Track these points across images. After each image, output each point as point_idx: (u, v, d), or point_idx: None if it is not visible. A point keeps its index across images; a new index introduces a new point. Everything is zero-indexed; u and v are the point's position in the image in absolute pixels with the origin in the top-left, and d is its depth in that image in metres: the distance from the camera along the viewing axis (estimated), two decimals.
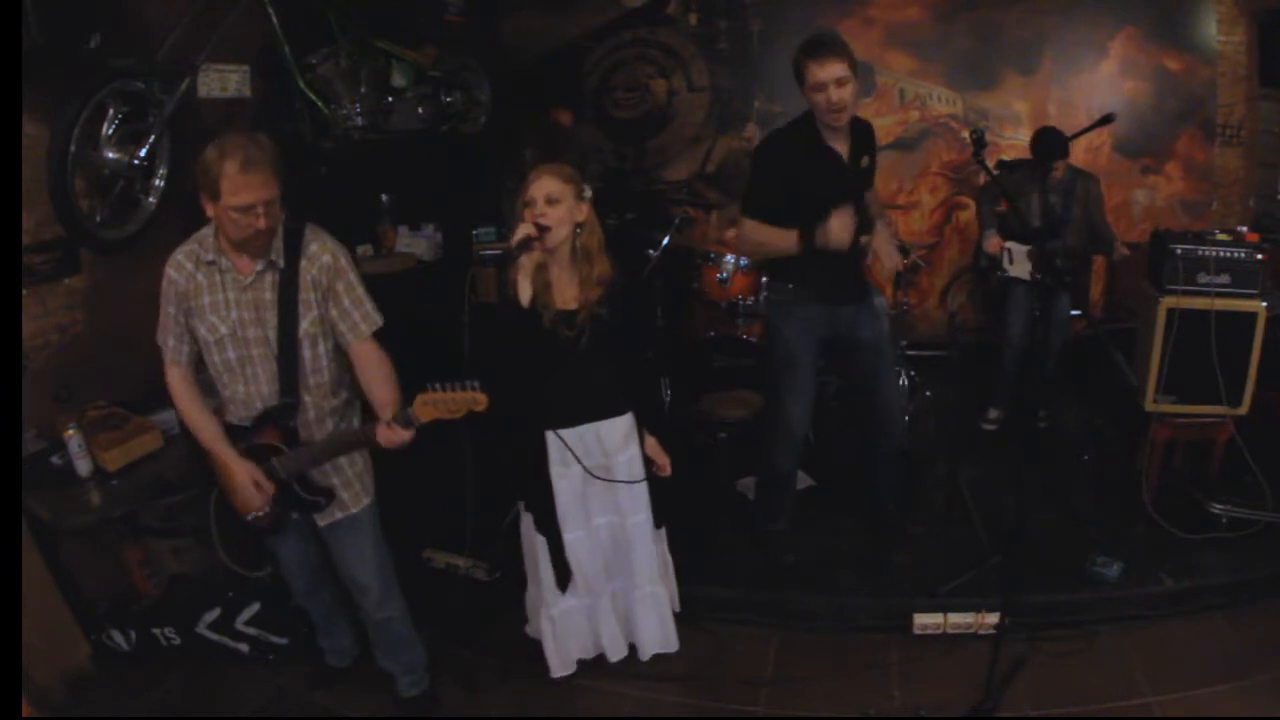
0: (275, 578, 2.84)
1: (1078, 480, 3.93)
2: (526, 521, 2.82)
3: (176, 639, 3.12)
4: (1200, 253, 3.37)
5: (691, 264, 4.52)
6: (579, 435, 2.69)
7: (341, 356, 2.47)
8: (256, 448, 2.38)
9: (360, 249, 4.34)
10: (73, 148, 2.82)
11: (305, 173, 3.89)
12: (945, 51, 5.29)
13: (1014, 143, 5.12)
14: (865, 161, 3.16)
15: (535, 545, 2.80)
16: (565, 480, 2.72)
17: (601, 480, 2.72)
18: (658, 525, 2.88)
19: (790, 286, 3.20)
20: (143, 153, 3.05)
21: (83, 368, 3.17)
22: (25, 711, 2.61)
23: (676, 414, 4.45)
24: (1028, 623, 2.99)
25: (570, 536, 2.76)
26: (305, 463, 2.41)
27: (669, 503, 2.92)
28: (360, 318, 2.40)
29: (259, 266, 2.29)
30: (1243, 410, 3.41)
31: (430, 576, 3.44)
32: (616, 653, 2.96)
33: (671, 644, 3.00)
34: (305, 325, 2.33)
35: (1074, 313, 4.40)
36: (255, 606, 3.10)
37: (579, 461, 2.67)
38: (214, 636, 3.12)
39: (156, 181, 3.19)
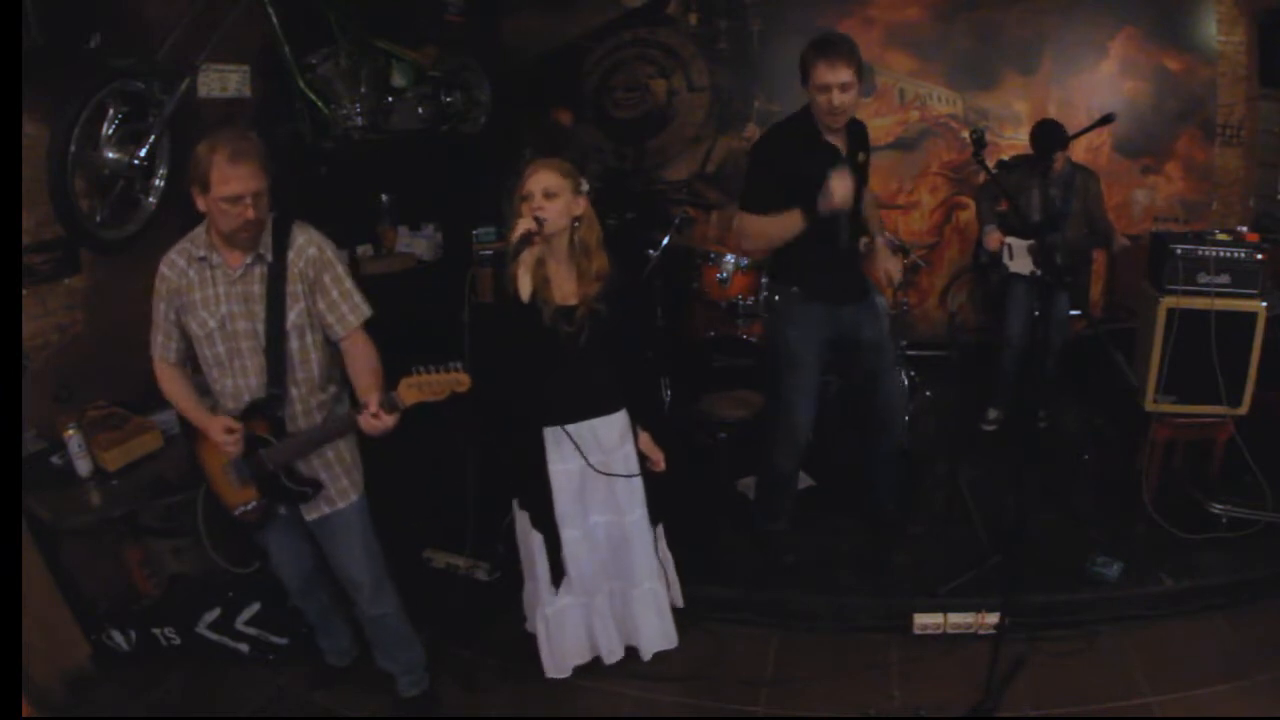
0: (275, 577, 2.84)
1: (1078, 480, 3.93)
2: (522, 519, 2.82)
3: (176, 639, 3.12)
4: (1200, 253, 3.37)
5: (691, 264, 4.52)
6: (576, 432, 2.69)
7: (329, 350, 2.49)
8: (245, 439, 2.40)
9: (360, 249, 4.34)
10: (73, 148, 2.82)
11: (305, 173, 3.90)
12: (945, 51, 5.29)
13: (1014, 143, 5.12)
14: (861, 159, 3.16)
15: (531, 543, 2.80)
16: (563, 477, 2.72)
17: (602, 475, 2.71)
18: (654, 522, 2.88)
19: (793, 289, 3.20)
20: (143, 153, 3.05)
21: (83, 368, 3.17)
22: (25, 711, 2.61)
23: (676, 414, 4.45)
24: (1028, 623, 2.99)
25: (568, 534, 2.76)
26: (292, 453, 2.43)
27: (666, 500, 2.91)
28: (348, 309, 2.43)
29: (248, 260, 2.34)
30: (1243, 410, 3.41)
31: (430, 576, 3.44)
32: (613, 655, 2.95)
33: (671, 640, 3.00)
34: (292, 317, 2.37)
35: (1074, 312, 4.40)
36: (255, 606, 3.10)
37: (583, 456, 2.67)
38: (214, 636, 3.12)
39: (156, 181, 3.19)
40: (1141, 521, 3.47)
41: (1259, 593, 3.16)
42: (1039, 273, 4.08)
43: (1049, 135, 4.14)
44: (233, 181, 2.19)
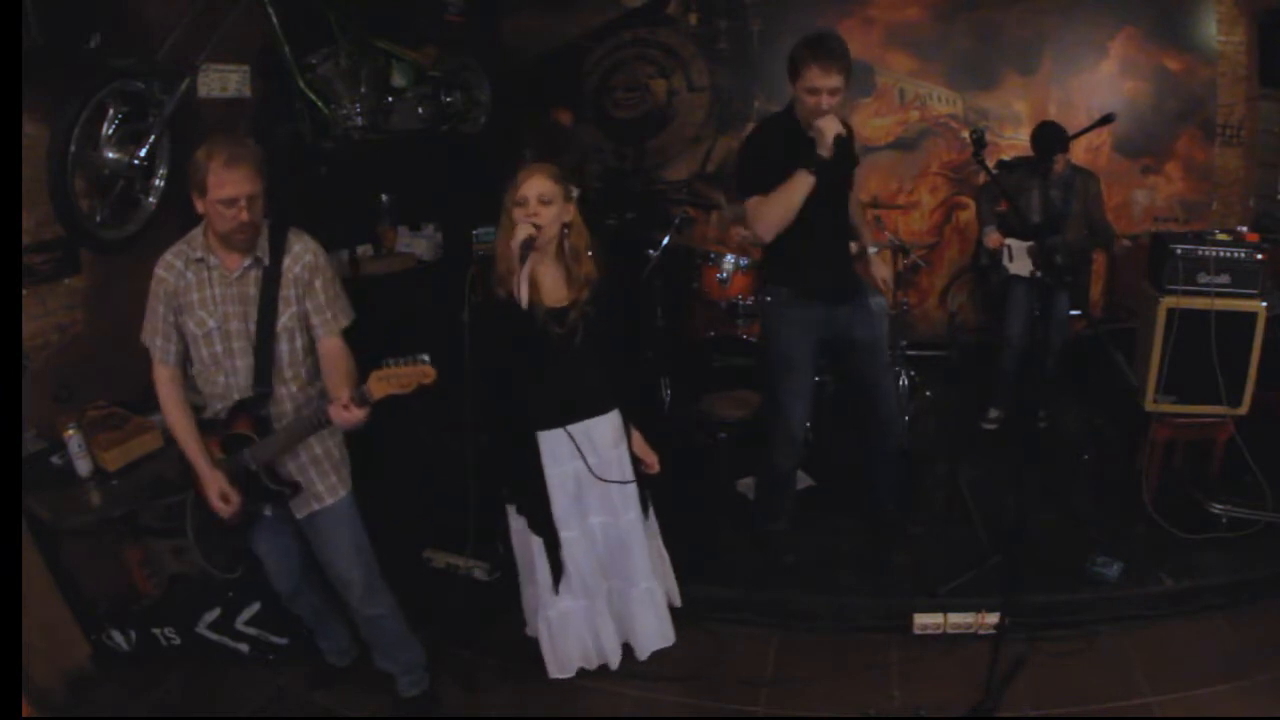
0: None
1: (1078, 480, 3.93)
2: (518, 523, 2.82)
3: (176, 639, 3.12)
4: (1200, 253, 3.37)
5: (691, 264, 4.52)
6: (570, 435, 2.69)
7: (316, 351, 2.54)
8: (231, 438, 2.45)
9: (360, 249, 4.33)
10: (73, 148, 2.82)
11: (305, 173, 3.89)
12: (945, 51, 5.30)
13: (1014, 143, 5.12)
14: (850, 159, 3.17)
15: (530, 546, 2.80)
16: (559, 480, 2.72)
17: (599, 480, 2.71)
18: (645, 513, 2.88)
19: (784, 289, 3.20)
20: (143, 153, 3.05)
21: (83, 368, 3.17)
22: (25, 711, 2.61)
23: (676, 414, 4.45)
24: (1028, 623, 2.99)
25: (566, 535, 2.76)
26: (274, 450, 2.46)
27: (665, 500, 2.91)
28: (333, 314, 2.51)
29: (246, 263, 2.40)
30: (1243, 410, 3.41)
31: (430, 576, 3.44)
32: (614, 659, 2.95)
33: (668, 638, 3.00)
34: (284, 320, 2.43)
35: (1074, 312, 4.40)
36: (255, 606, 3.10)
37: (583, 459, 2.67)
38: (214, 636, 3.12)
39: (156, 181, 3.19)
40: (1141, 521, 3.47)
41: (1259, 593, 3.16)
42: (1039, 274, 4.08)
43: (1049, 137, 4.15)
44: (228, 185, 2.26)
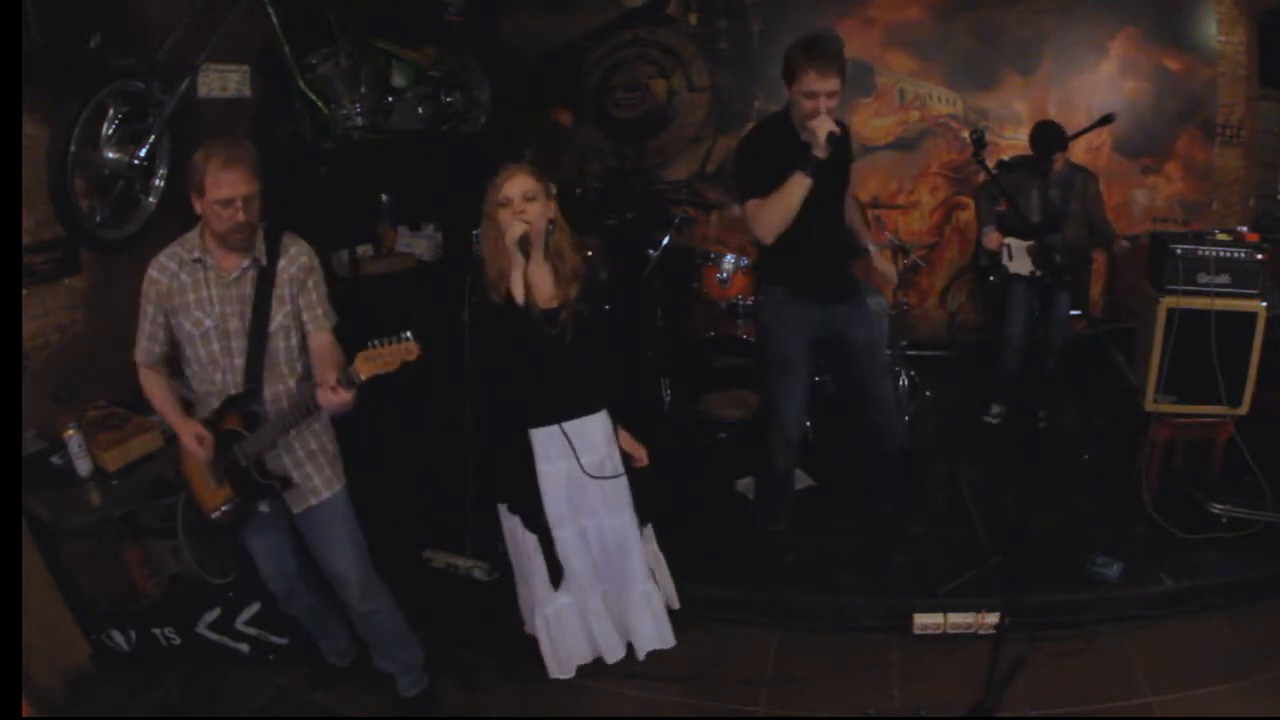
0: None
1: (1078, 480, 3.93)
2: (511, 522, 2.82)
3: (176, 639, 3.12)
4: (1200, 253, 3.37)
5: (691, 264, 4.51)
6: (564, 432, 2.69)
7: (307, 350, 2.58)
8: (221, 434, 2.47)
9: (360, 249, 4.33)
10: (73, 148, 2.82)
11: (305, 173, 3.89)
12: (945, 51, 5.29)
13: (1014, 143, 5.11)
14: (846, 159, 3.17)
15: (526, 545, 2.80)
16: (552, 478, 2.72)
17: (594, 478, 2.71)
18: (642, 522, 2.88)
19: (781, 288, 3.20)
20: (143, 153, 3.05)
21: (83, 368, 3.17)
22: (25, 711, 2.61)
23: (676, 414, 4.45)
24: (1028, 623, 2.99)
25: (560, 533, 2.76)
26: (264, 442, 2.48)
27: (663, 500, 2.91)
28: (322, 314, 2.56)
29: (244, 264, 2.43)
30: (1243, 410, 3.41)
31: (430, 576, 3.44)
32: (614, 654, 2.96)
33: (667, 640, 3.00)
34: (278, 319, 2.47)
35: (1074, 312, 4.40)
36: (255, 606, 3.10)
37: (576, 458, 2.67)
38: (214, 636, 3.12)
39: (156, 181, 3.19)
40: (1141, 521, 3.47)
41: (1259, 593, 3.16)
42: (1038, 273, 4.08)
43: (1048, 136, 4.15)
44: (225, 186, 2.30)
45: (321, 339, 2.54)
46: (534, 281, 2.59)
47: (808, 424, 3.57)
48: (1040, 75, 5.22)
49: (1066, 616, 3.11)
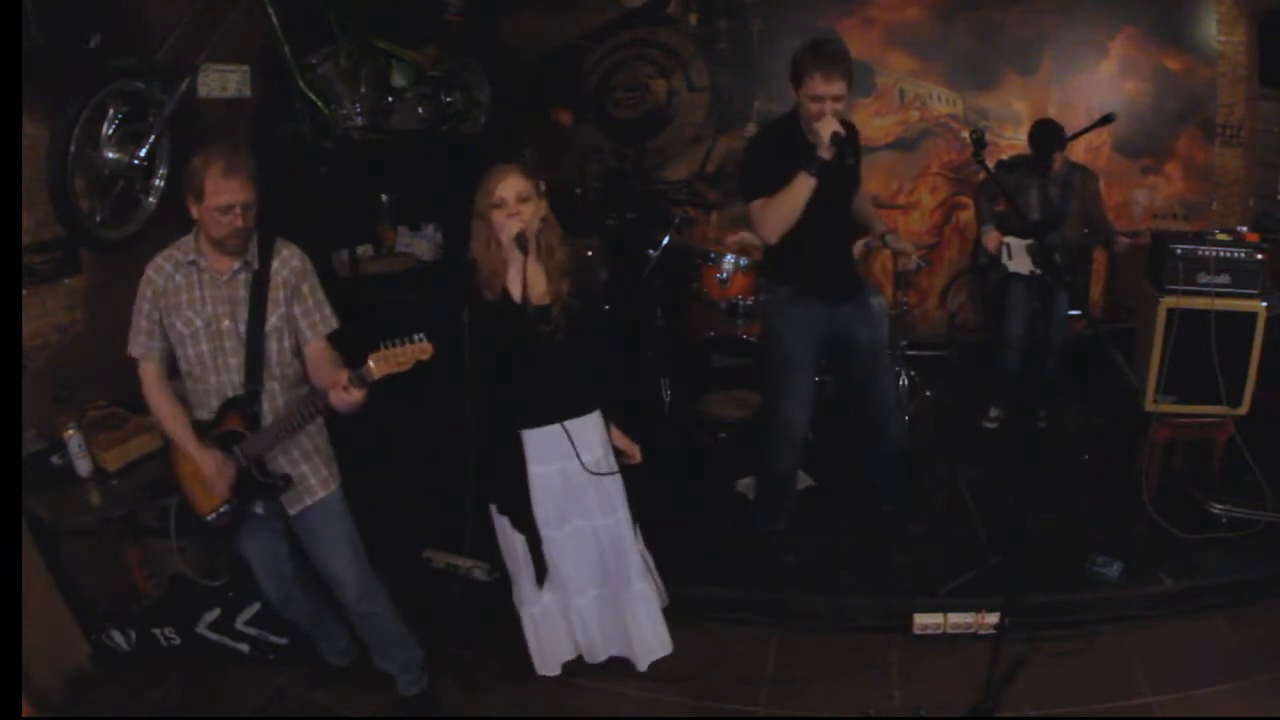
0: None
1: (1078, 480, 3.93)
2: (502, 523, 2.82)
3: (176, 639, 3.12)
4: (1200, 253, 3.37)
5: (691, 264, 4.51)
6: (563, 430, 2.69)
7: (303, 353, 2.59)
8: (221, 435, 2.48)
9: (360, 249, 4.33)
10: (73, 148, 2.82)
11: (305, 173, 3.89)
12: (945, 51, 5.29)
13: (1014, 143, 5.11)
14: (850, 162, 3.17)
15: (514, 545, 2.80)
16: (542, 479, 2.72)
17: (584, 478, 2.71)
18: (635, 522, 2.87)
19: (785, 288, 3.20)
20: (143, 153, 3.06)
21: (83, 368, 3.17)
22: (25, 711, 2.61)
23: (676, 414, 4.45)
24: (1028, 623, 2.99)
25: (548, 533, 2.76)
26: (266, 443, 2.49)
27: (643, 499, 2.90)
28: (320, 318, 2.58)
29: (236, 266, 2.47)
30: (1243, 410, 3.41)
31: (430, 576, 3.43)
32: (593, 655, 2.94)
33: (665, 646, 2.96)
34: (273, 321, 2.49)
35: (1074, 312, 4.40)
36: (255, 606, 3.10)
37: (577, 456, 2.67)
38: (214, 636, 3.12)
39: (156, 181, 3.19)
40: (1141, 521, 3.47)
41: (1259, 593, 3.16)
42: (1038, 272, 4.08)
43: (1047, 135, 4.15)
44: (225, 193, 2.34)
45: (318, 345, 2.55)
46: (527, 279, 2.60)
47: (808, 424, 3.56)
48: (1040, 75, 5.22)
49: (1066, 616, 3.11)
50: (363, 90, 3.86)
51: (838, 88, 2.87)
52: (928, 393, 4.62)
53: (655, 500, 2.98)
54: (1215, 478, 3.55)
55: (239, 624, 3.11)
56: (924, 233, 5.50)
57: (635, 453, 2.84)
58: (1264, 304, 3.35)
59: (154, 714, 2.88)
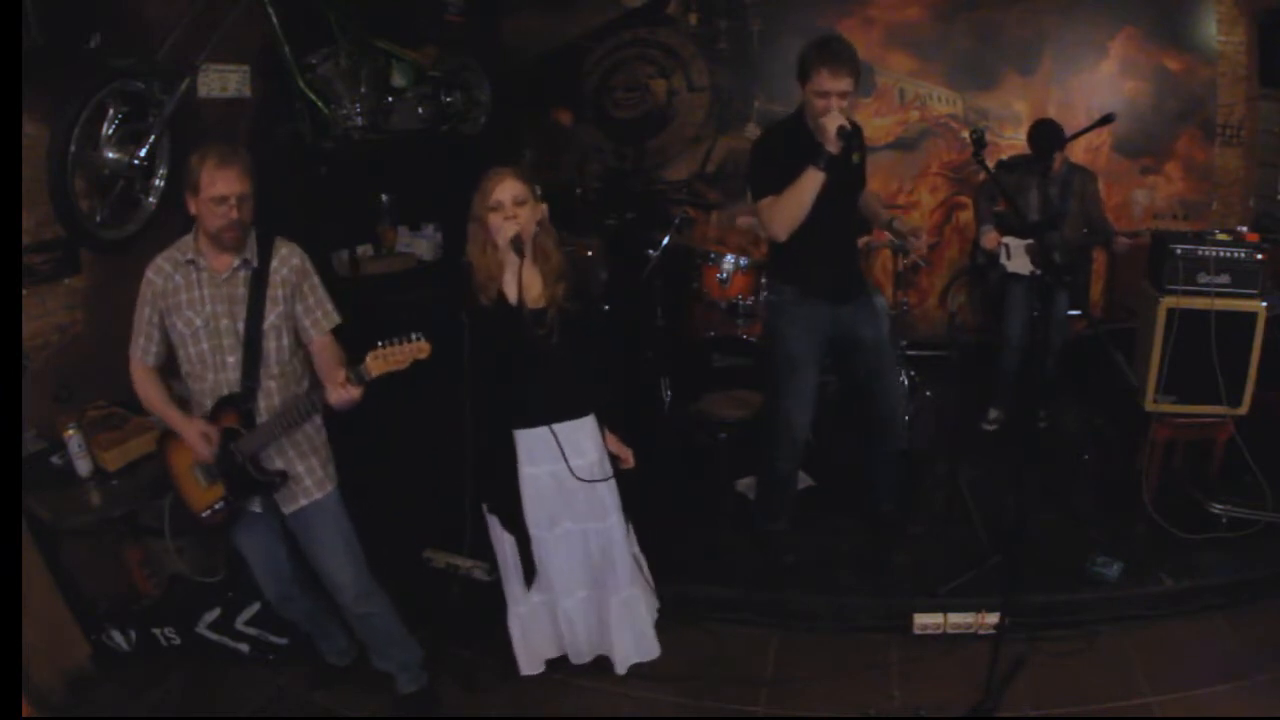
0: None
1: (1078, 480, 3.93)
2: (493, 522, 2.82)
3: (176, 639, 3.12)
4: (1200, 253, 3.37)
5: (691, 264, 4.51)
6: (551, 434, 2.69)
7: (303, 351, 2.62)
8: (219, 433, 2.48)
9: (360, 249, 4.33)
10: (73, 148, 2.82)
11: (305, 173, 3.89)
12: (945, 51, 5.29)
13: (1014, 143, 5.11)
14: (856, 159, 3.18)
15: (504, 545, 2.80)
16: (533, 481, 2.72)
17: (576, 482, 2.71)
18: (627, 524, 2.87)
19: (790, 287, 3.20)
20: (143, 153, 3.06)
21: (83, 368, 3.17)
22: (25, 711, 2.61)
23: (676, 414, 4.45)
24: (1028, 623, 2.99)
25: (538, 534, 2.76)
26: (262, 440, 2.50)
27: (636, 503, 2.89)
28: (322, 314, 2.60)
29: (235, 264, 2.48)
30: (1243, 410, 3.41)
31: (430, 576, 3.43)
32: (578, 657, 2.93)
33: (650, 651, 2.95)
34: (271, 319, 2.50)
35: (1074, 312, 4.40)
36: (255, 606, 3.10)
37: (565, 460, 2.67)
38: (214, 636, 3.12)
39: (156, 181, 3.19)
40: (1141, 521, 3.47)
41: (1259, 593, 3.16)
42: (1038, 272, 4.08)
43: (1047, 135, 4.15)
44: (219, 184, 2.37)
45: (321, 341, 2.57)
46: (523, 282, 2.60)
47: (809, 424, 3.57)
48: (1040, 75, 5.22)
49: (1066, 616, 3.11)
50: (363, 90, 3.85)
51: (844, 84, 2.87)
52: (928, 393, 4.62)
53: (655, 500, 2.98)
54: (1215, 478, 3.55)
55: (239, 624, 3.11)
56: (924, 233, 5.49)
57: (629, 458, 2.84)
58: (1264, 304, 3.35)
59: (154, 714, 2.88)
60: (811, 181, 2.90)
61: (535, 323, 2.58)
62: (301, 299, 2.55)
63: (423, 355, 2.38)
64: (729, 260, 4.33)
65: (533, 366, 2.64)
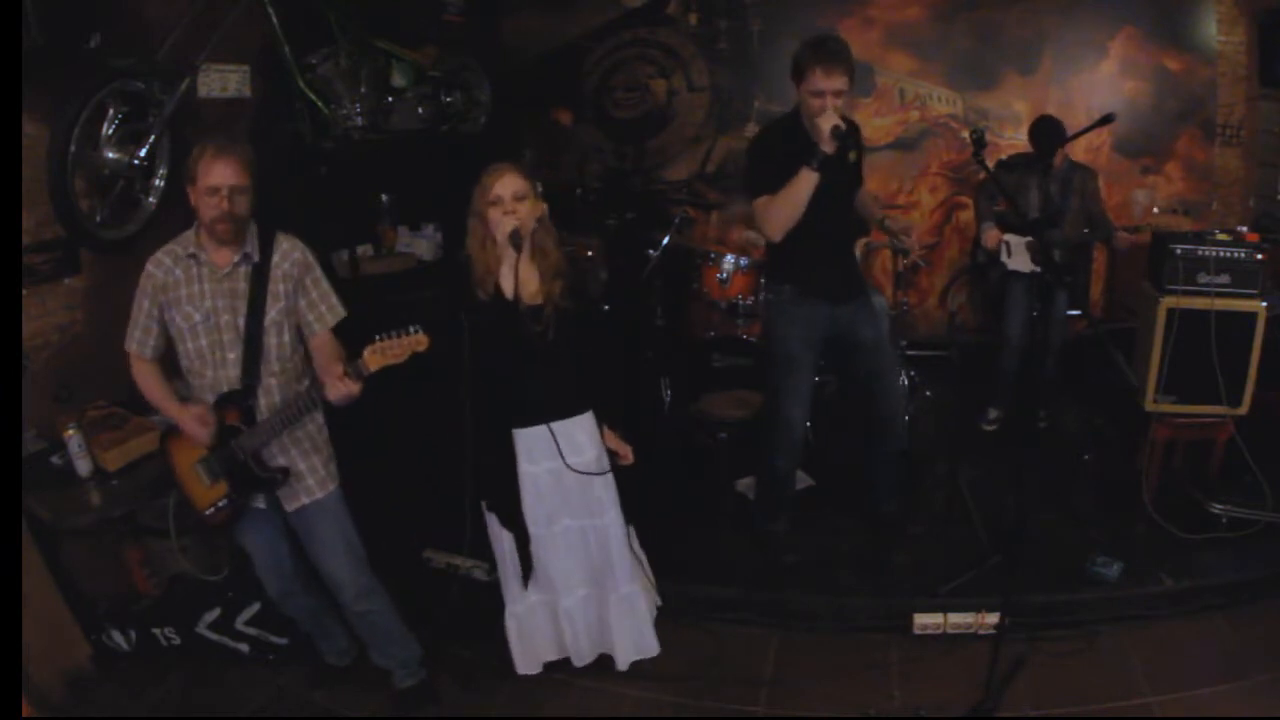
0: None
1: (1078, 480, 3.93)
2: (492, 520, 2.82)
3: (176, 639, 3.12)
4: (1200, 253, 3.38)
5: (691, 264, 4.51)
6: (547, 433, 2.69)
7: (304, 347, 2.61)
8: (219, 430, 2.48)
9: (360, 249, 4.34)
10: (73, 148, 2.82)
11: (305, 173, 3.89)
12: (945, 51, 5.29)
13: (1014, 143, 5.11)
14: (853, 157, 3.18)
15: (502, 543, 2.81)
16: (531, 479, 2.72)
17: (575, 479, 2.71)
18: (627, 522, 2.87)
19: (788, 287, 3.20)
20: (143, 153, 3.06)
21: (83, 368, 3.17)
22: (25, 711, 2.61)
23: (676, 414, 4.45)
24: (1028, 623, 2.99)
25: (536, 532, 2.76)
26: (264, 436, 2.50)
27: (636, 500, 2.90)
28: (326, 309, 2.59)
29: (235, 259, 2.46)
30: (1243, 410, 3.42)
31: (430, 576, 3.44)
32: (580, 658, 2.93)
33: (650, 649, 2.95)
34: (272, 315, 2.50)
35: (1074, 312, 4.40)
36: (255, 606, 3.10)
37: (562, 456, 2.67)
38: (214, 636, 3.12)
39: (156, 181, 3.20)
40: (1141, 521, 3.47)
41: (1259, 593, 3.16)
42: (1038, 270, 4.08)
43: (1049, 132, 4.15)
44: (214, 174, 2.37)
45: (322, 337, 2.56)
46: (520, 277, 2.60)
47: (807, 424, 3.57)
48: (1040, 75, 5.22)
49: (1066, 616, 3.10)
50: (363, 90, 3.86)
51: (839, 83, 2.87)
52: (928, 393, 4.62)
53: (655, 500, 2.98)
54: (1215, 478, 3.55)
55: (239, 624, 3.11)
56: (924, 233, 5.49)
57: (628, 454, 2.84)
58: (1264, 304, 3.35)
59: (154, 714, 2.88)
60: (806, 182, 2.90)
61: (531, 319, 2.58)
62: (305, 293, 2.54)
63: (420, 348, 2.38)
64: (729, 260, 4.33)
65: (529, 364, 2.64)
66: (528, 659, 2.92)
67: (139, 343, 2.52)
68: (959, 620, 3.06)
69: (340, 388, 2.39)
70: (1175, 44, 5.03)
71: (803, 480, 3.82)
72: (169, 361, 2.58)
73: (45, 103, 2.85)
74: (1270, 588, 3.17)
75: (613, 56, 5.69)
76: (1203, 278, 3.36)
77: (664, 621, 3.03)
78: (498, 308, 2.56)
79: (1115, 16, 5.05)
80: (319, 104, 3.72)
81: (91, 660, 3.02)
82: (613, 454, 2.82)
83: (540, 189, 2.67)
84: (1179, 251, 3.38)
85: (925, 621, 3.08)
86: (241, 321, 2.47)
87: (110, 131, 2.99)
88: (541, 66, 5.71)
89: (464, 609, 3.14)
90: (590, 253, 4.59)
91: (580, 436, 2.73)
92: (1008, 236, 4.25)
